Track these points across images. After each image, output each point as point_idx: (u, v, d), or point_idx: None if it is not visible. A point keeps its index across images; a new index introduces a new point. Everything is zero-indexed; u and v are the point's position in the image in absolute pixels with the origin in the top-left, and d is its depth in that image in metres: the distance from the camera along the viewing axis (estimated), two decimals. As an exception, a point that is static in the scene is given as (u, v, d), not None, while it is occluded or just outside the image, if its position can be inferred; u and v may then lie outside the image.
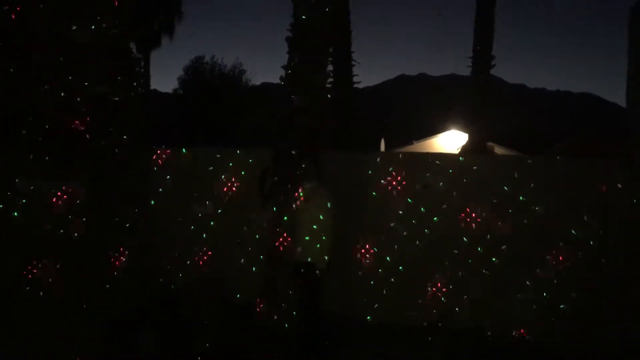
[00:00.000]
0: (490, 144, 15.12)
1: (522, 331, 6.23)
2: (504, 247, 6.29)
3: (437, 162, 6.62)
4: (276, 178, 5.88)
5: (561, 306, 6.17)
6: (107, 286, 5.72)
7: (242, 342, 5.62)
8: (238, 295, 6.61)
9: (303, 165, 5.63)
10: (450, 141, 22.54)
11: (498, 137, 21.16)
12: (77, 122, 5.45)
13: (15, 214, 5.27)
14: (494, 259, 6.33)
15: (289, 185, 5.69)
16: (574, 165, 6.50)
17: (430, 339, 6.04)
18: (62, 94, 5.40)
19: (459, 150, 15.42)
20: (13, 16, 5.29)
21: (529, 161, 6.72)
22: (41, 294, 5.24)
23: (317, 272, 5.43)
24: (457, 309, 6.38)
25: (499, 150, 18.94)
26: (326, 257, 5.43)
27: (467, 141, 14.56)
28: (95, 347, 5.20)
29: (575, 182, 6.26)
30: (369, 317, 6.53)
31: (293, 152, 5.78)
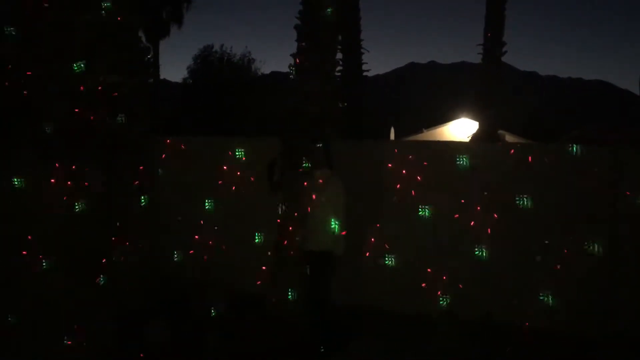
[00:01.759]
0: (501, 132, 15.03)
1: (527, 324, 6.18)
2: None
3: (451, 150, 6.55)
4: (286, 166, 5.86)
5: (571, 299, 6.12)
6: (117, 278, 5.73)
7: (253, 333, 5.63)
8: (248, 287, 6.61)
9: (313, 153, 5.60)
10: (460, 129, 22.40)
11: (509, 125, 21.01)
12: (86, 112, 5.46)
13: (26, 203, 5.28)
14: (506, 249, 6.29)
15: (299, 174, 5.66)
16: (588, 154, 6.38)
17: (441, 328, 6.02)
18: (71, 85, 5.40)
19: (470, 138, 15.35)
20: (23, 6, 5.29)
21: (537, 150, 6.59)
22: (50, 286, 5.24)
23: (332, 260, 5.43)
24: (468, 298, 6.35)
25: (509, 138, 18.83)
26: (340, 245, 5.43)
27: (478, 129, 14.49)
28: (105, 340, 5.23)
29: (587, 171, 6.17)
30: (383, 307, 6.51)
31: (302, 140, 5.75)
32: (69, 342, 5.07)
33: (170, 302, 6.18)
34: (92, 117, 5.50)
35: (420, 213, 6.45)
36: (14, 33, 5.33)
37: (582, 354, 5.64)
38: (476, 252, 6.28)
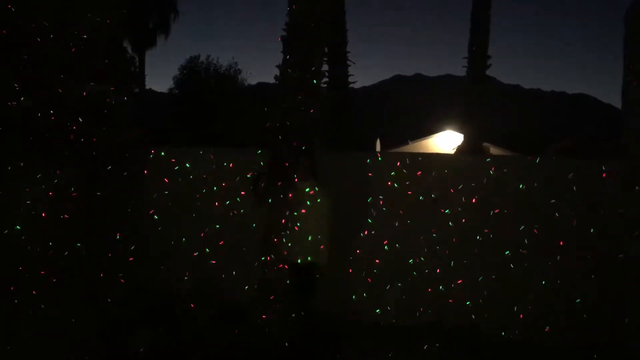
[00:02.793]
0: (485, 144, 15.12)
1: (519, 332, 6.22)
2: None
3: (439, 162, 6.60)
4: (271, 177, 5.84)
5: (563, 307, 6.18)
6: (102, 289, 5.67)
7: (239, 344, 5.59)
8: (234, 297, 6.56)
9: (297, 165, 5.60)
10: (445, 141, 22.55)
11: (494, 138, 21.19)
12: (68, 122, 5.40)
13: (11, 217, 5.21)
14: (496, 259, 6.33)
15: (283, 185, 5.65)
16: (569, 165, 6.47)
17: (427, 339, 6.01)
18: (54, 94, 5.35)
19: (455, 150, 15.43)
20: (5, 14, 5.24)
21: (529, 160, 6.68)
22: (35, 296, 5.17)
23: (316, 271, 5.41)
24: (455, 309, 6.36)
25: (494, 150, 18.94)
26: (325, 256, 5.42)
27: (463, 141, 14.56)
28: (90, 349, 5.16)
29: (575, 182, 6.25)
30: (366, 318, 6.50)
31: (287, 151, 5.75)
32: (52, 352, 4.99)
33: (156, 313, 6.11)
34: (75, 127, 5.45)
35: (408, 223, 6.49)
36: None
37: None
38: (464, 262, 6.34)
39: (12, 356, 4.97)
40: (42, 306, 5.18)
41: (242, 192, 6.64)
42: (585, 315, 6.15)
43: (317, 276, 5.50)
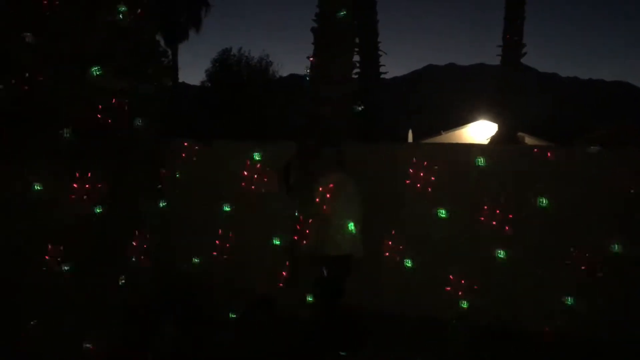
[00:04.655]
0: (520, 134, 14.87)
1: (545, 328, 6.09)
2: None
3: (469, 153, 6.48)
4: (301, 169, 5.84)
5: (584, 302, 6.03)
6: (127, 278, 5.74)
7: (264, 334, 5.61)
8: (260, 288, 6.59)
9: (328, 156, 5.57)
10: (479, 131, 22.21)
11: (528, 127, 20.79)
12: (101, 115, 5.47)
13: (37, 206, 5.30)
14: (521, 256, 6.20)
15: (313, 176, 5.63)
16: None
17: (453, 333, 5.95)
18: (87, 88, 5.42)
19: (489, 140, 15.21)
20: (39, 7, 5.31)
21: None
22: (59, 285, 5.27)
23: (349, 263, 5.39)
24: (484, 303, 6.26)
25: (529, 140, 18.60)
26: (360, 248, 5.39)
27: (497, 131, 14.35)
28: (112, 339, 5.25)
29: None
30: (393, 310, 6.45)
31: (317, 143, 5.72)
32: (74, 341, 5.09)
33: (180, 303, 6.18)
34: (109, 121, 5.52)
35: (440, 216, 6.40)
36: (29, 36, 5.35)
37: None
38: (498, 255, 6.22)
39: (37, 339, 5.06)
40: (66, 292, 5.26)
41: (272, 183, 6.64)
42: None
43: (349, 268, 5.46)
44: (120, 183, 5.71)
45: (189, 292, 6.40)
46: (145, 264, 6.00)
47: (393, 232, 6.52)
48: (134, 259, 5.93)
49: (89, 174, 5.46)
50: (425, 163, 6.44)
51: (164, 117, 6.45)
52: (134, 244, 5.97)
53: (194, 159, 7.04)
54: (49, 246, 5.28)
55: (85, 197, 5.43)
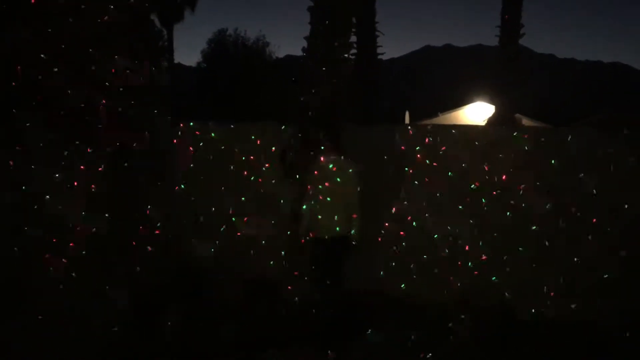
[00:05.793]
0: (517, 115, 14.84)
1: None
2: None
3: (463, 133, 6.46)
4: (298, 151, 5.83)
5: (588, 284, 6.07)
6: (132, 266, 5.74)
7: (267, 319, 5.62)
8: (263, 273, 6.60)
9: (324, 138, 5.55)
10: (476, 113, 22.20)
11: (526, 109, 20.76)
12: (98, 97, 5.43)
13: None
14: (528, 236, 6.21)
15: (310, 158, 5.61)
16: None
17: (457, 316, 5.95)
18: (83, 70, 5.37)
19: (486, 122, 15.19)
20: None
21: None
22: (63, 275, 5.28)
23: (347, 246, 5.40)
24: (487, 285, 6.28)
25: (526, 122, 18.60)
26: (357, 230, 5.41)
27: (494, 113, 14.33)
28: (118, 328, 5.28)
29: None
30: (393, 293, 6.47)
31: (313, 124, 5.71)
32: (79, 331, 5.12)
33: (185, 290, 6.18)
34: (104, 102, 5.47)
35: (438, 198, 6.40)
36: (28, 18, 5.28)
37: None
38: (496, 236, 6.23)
39: (35, 334, 5.08)
40: (74, 274, 5.27)
41: (270, 166, 6.62)
42: None
43: (348, 251, 5.48)
44: (120, 167, 5.68)
45: (195, 279, 6.40)
46: (150, 252, 5.98)
47: (393, 211, 6.53)
48: (138, 247, 5.91)
49: (91, 158, 5.44)
50: (427, 140, 6.42)
51: (164, 98, 6.38)
52: (142, 232, 5.96)
53: (192, 141, 7.00)
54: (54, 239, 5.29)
55: (87, 180, 5.40)
